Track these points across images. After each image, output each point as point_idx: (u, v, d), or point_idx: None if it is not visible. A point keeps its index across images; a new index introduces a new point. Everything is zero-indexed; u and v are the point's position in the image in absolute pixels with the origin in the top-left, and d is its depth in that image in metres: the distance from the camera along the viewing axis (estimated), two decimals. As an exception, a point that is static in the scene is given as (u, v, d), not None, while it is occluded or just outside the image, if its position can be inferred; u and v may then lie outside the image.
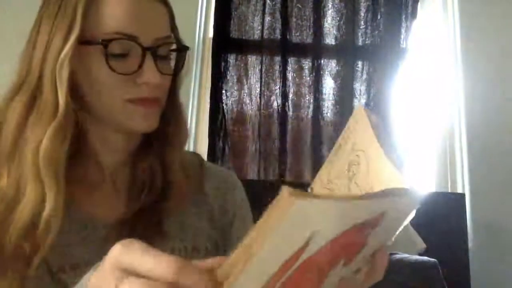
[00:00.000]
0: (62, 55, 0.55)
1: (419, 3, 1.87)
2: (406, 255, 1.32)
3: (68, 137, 0.57)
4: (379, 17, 1.86)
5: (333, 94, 1.85)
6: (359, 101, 1.83)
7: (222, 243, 0.67)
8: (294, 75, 1.86)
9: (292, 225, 0.31)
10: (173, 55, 0.64)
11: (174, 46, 0.63)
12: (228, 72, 1.84)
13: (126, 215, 0.61)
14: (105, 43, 0.56)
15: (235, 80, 1.85)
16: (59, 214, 0.55)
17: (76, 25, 0.56)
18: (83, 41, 0.56)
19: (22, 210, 0.54)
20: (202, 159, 0.73)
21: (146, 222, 0.60)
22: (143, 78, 0.57)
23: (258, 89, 1.83)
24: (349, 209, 0.33)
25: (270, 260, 0.32)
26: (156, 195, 0.62)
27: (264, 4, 1.84)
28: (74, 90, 0.58)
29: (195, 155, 0.74)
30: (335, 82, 1.85)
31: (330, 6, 1.87)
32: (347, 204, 0.33)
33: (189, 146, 1.78)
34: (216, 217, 0.68)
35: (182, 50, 0.64)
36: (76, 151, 0.60)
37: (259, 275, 0.32)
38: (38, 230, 0.54)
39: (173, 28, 0.64)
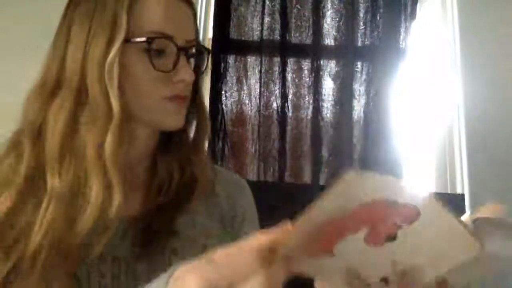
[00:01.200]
0: (109, 58, 0.57)
1: (418, 4, 1.87)
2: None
3: (125, 137, 0.59)
4: (378, 18, 1.86)
5: (333, 94, 1.85)
6: (359, 102, 1.83)
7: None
8: (294, 76, 1.86)
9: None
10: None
11: (198, 49, 0.67)
12: (228, 73, 1.84)
13: (142, 212, 0.62)
14: (150, 40, 0.58)
15: (235, 81, 1.85)
16: (119, 213, 0.57)
17: (121, 25, 0.58)
18: (126, 40, 0.58)
19: (90, 209, 0.55)
20: (211, 161, 0.75)
21: (160, 221, 0.62)
22: (179, 76, 0.61)
23: (258, 90, 1.83)
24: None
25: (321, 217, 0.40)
26: (173, 194, 0.64)
27: (263, 5, 1.84)
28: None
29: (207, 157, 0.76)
30: (335, 82, 1.85)
31: (329, 7, 1.87)
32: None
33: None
34: (226, 219, 0.69)
35: (205, 51, 0.68)
36: None
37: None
38: (99, 229, 0.55)
39: (197, 31, 0.68)
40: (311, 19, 1.85)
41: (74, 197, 0.55)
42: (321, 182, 1.75)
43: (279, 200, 1.52)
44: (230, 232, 0.69)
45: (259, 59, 1.84)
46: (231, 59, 1.85)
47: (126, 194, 0.62)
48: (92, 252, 0.55)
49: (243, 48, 1.86)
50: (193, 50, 0.65)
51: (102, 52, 0.57)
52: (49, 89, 0.59)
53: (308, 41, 1.85)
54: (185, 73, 0.61)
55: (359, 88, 1.84)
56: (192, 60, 0.66)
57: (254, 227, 0.71)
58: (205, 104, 0.71)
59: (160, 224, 0.62)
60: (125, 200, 0.61)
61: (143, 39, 0.58)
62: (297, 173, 1.83)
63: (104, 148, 0.56)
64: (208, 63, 0.68)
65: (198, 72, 0.67)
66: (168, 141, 0.68)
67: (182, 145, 0.68)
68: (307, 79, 1.85)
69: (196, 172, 0.66)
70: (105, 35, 0.57)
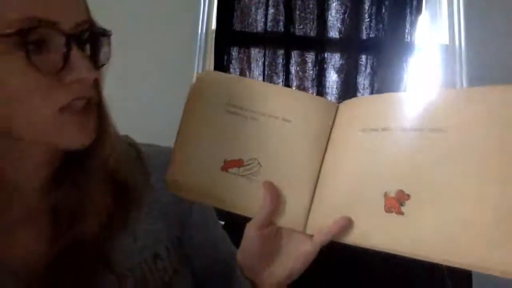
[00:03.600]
0: None
1: (424, -3, 1.85)
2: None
3: (10, 161, 0.45)
4: (383, 11, 1.84)
5: (337, 87, 1.84)
6: (363, 95, 1.82)
7: (183, 236, 0.60)
8: (298, 68, 1.85)
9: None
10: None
11: (97, 34, 0.47)
12: (231, 65, 1.83)
13: (53, 254, 0.47)
14: (24, 31, 0.39)
15: (238, 73, 1.84)
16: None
17: None
18: None
19: None
20: (139, 150, 0.60)
21: (85, 257, 0.48)
22: (74, 74, 0.42)
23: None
24: None
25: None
26: (89, 223, 0.49)
27: (267, -3, 1.83)
28: None
29: (130, 146, 0.60)
30: (339, 75, 1.84)
31: (334, -1, 1.85)
32: None
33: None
34: (170, 212, 0.59)
35: (104, 34, 0.47)
36: None
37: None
38: None
39: (87, 8, 0.48)
40: (315, 11, 1.83)
41: None
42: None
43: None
44: (178, 224, 0.60)
45: (263, 52, 1.83)
46: (234, 51, 1.84)
47: (28, 235, 0.49)
48: None
49: (247, 40, 1.85)
50: (86, 35, 0.45)
51: None
52: None
53: (313, 33, 1.84)
54: (82, 68, 0.42)
55: (363, 81, 1.83)
56: (88, 50, 0.46)
57: (204, 210, 0.62)
58: (108, 109, 0.51)
59: (83, 263, 0.48)
60: (28, 243, 0.48)
61: (12, 30, 0.39)
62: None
63: None
64: (110, 52, 0.48)
65: (103, 61, 0.48)
66: (75, 158, 0.49)
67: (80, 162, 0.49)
68: (311, 72, 1.83)
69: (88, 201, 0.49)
70: None
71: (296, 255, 0.52)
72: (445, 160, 0.40)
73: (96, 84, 0.47)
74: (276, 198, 0.48)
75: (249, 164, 0.50)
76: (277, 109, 0.51)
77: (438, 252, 0.38)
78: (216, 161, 0.50)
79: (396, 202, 0.41)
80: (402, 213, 0.41)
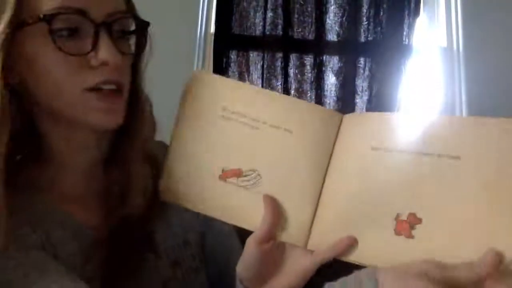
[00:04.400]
0: None
1: (421, 0, 1.86)
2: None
3: (3, 137, 0.48)
4: (381, 14, 1.84)
5: (335, 90, 1.84)
6: (361, 98, 1.82)
7: (205, 235, 0.64)
8: (296, 71, 1.85)
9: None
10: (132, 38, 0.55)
11: (132, 25, 0.54)
12: (230, 68, 1.83)
13: (105, 230, 0.54)
14: (48, 18, 0.46)
15: (237, 76, 1.84)
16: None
17: (7, 4, 0.46)
18: (20, 24, 0.47)
19: None
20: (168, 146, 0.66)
21: (132, 234, 0.54)
22: (100, 57, 0.48)
23: (260, 86, 1.82)
24: None
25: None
26: (136, 201, 0.54)
27: (266, 0, 1.83)
28: (20, 84, 0.49)
29: (161, 143, 0.66)
30: (337, 78, 1.84)
31: (332, 2, 1.85)
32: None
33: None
34: None
35: (143, 27, 0.54)
36: (37, 155, 0.53)
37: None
38: None
39: (129, 3, 0.55)
40: (314, 15, 1.84)
41: None
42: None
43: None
44: (202, 220, 0.63)
45: (262, 55, 1.83)
46: (233, 54, 1.84)
47: (88, 205, 0.55)
48: None
49: (246, 43, 1.85)
50: (124, 26, 0.52)
51: None
52: None
53: (311, 36, 1.84)
54: (106, 52, 0.48)
55: (361, 84, 1.83)
56: (126, 40, 0.54)
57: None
58: (145, 96, 0.59)
59: (131, 238, 0.54)
60: (90, 211, 0.55)
61: (39, 17, 0.46)
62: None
63: None
64: (149, 40, 0.55)
65: (139, 50, 0.55)
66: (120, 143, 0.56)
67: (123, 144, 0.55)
68: (310, 75, 1.84)
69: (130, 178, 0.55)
70: None
71: (296, 270, 0.51)
72: (458, 187, 0.39)
73: (126, 71, 0.53)
74: (276, 212, 0.47)
75: (248, 175, 0.48)
76: (279, 118, 0.48)
77: None
78: (213, 169, 0.49)
79: (408, 226, 0.41)
80: (412, 237, 0.41)
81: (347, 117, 0.49)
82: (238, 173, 0.48)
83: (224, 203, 0.48)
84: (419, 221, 0.40)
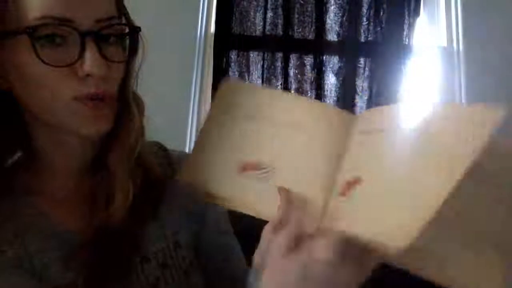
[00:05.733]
0: None
1: (421, 0, 1.86)
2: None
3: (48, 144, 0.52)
4: (382, 14, 1.85)
5: (335, 90, 1.84)
6: (361, 98, 1.83)
7: (199, 235, 0.63)
8: (296, 71, 1.85)
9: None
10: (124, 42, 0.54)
11: (123, 30, 0.53)
12: (230, 69, 1.84)
13: (90, 233, 0.54)
14: (30, 30, 0.45)
15: (237, 76, 1.84)
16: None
17: None
18: (5, 34, 0.47)
19: None
20: (164, 147, 0.66)
21: (115, 238, 0.54)
22: (85, 69, 0.47)
23: (260, 86, 1.82)
24: None
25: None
26: (118, 206, 0.54)
27: (266, 0, 1.83)
28: (11, 91, 0.50)
29: (156, 143, 0.66)
30: (337, 78, 1.84)
31: (332, 2, 1.86)
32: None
33: (191, 142, 1.77)
34: (190, 206, 0.62)
35: (133, 32, 0.53)
36: (28, 158, 0.54)
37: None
38: None
39: (121, 7, 0.53)
40: (314, 14, 1.84)
41: None
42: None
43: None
44: (196, 221, 0.63)
45: (262, 55, 1.83)
46: (233, 54, 1.84)
47: (75, 210, 0.56)
48: None
49: (246, 43, 1.85)
50: (114, 32, 0.51)
51: None
52: None
53: (311, 36, 1.85)
54: (91, 64, 0.47)
55: (361, 84, 1.83)
56: (116, 47, 0.52)
57: (217, 212, 0.65)
58: (137, 97, 0.58)
59: (120, 239, 0.54)
60: (77, 216, 0.55)
61: (21, 28, 0.46)
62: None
63: None
64: (139, 47, 0.55)
65: (129, 57, 0.54)
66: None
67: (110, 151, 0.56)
68: (310, 75, 1.84)
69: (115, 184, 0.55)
70: None
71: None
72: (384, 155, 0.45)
73: (115, 79, 0.52)
74: (291, 201, 0.49)
75: (265, 169, 0.51)
76: (295, 118, 0.53)
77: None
78: (232, 163, 0.52)
79: None
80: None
81: (361, 116, 0.52)
82: (256, 167, 0.51)
83: (242, 194, 0.52)
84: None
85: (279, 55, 1.83)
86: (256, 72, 1.84)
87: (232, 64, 1.84)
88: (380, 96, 1.81)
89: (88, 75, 0.48)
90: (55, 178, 0.56)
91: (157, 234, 0.58)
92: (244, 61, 1.85)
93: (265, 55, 1.83)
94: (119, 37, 0.52)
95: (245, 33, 1.85)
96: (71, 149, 0.55)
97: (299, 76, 1.85)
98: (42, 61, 0.46)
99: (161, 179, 0.59)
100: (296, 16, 1.85)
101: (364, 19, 1.85)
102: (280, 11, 1.83)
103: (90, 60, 0.47)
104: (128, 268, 0.55)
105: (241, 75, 1.84)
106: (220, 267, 0.64)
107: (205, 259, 0.63)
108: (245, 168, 0.51)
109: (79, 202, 0.56)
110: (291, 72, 1.84)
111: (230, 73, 1.83)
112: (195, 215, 0.63)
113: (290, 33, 1.83)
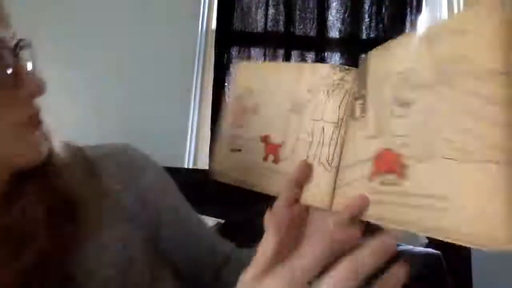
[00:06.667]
0: None
1: (424, -3, 1.86)
2: (410, 247, 1.33)
3: None
4: (383, 11, 1.84)
5: (337, 87, 1.84)
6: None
7: (158, 237, 0.56)
8: (298, 68, 1.85)
9: None
10: None
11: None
12: (231, 65, 1.83)
13: (18, 271, 0.44)
14: None
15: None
16: None
17: None
18: None
19: None
20: (80, 149, 0.55)
21: (46, 274, 0.45)
22: (26, 90, 0.42)
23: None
24: None
25: None
26: (40, 241, 0.45)
27: (267, -3, 1.83)
28: None
29: (76, 155, 0.54)
30: (339, 75, 1.84)
31: (334, -1, 1.86)
32: None
33: (191, 141, 1.77)
34: (135, 214, 0.54)
35: (28, 46, 0.44)
36: None
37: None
38: None
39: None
40: (315, 11, 1.84)
41: None
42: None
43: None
44: (147, 226, 0.55)
45: (263, 51, 1.83)
46: (234, 51, 1.84)
47: None
48: None
49: (247, 40, 1.85)
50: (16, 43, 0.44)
51: None
52: None
53: (313, 33, 1.84)
54: (31, 83, 0.42)
55: (363, 81, 1.83)
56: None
57: (177, 209, 0.59)
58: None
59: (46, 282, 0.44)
60: None
61: None
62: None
63: None
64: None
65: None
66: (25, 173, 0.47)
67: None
68: (311, 72, 1.83)
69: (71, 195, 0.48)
70: None
71: (320, 232, 0.50)
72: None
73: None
74: (304, 174, 0.47)
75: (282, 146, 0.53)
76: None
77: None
78: (254, 144, 0.54)
79: None
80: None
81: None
82: (277, 147, 0.53)
83: (263, 173, 0.52)
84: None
85: (281, 51, 1.83)
86: (257, 68, 1.83)
87: (233, 60, 1.83)
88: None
89: (29, 95, 0.42)
90: None
91: (100, 258, 0.50)
92: (245, 58, 1.85)
93: (267, 51, 1.82)
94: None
95: (247, 30, 1.85)
96: None
97: (300, 73, 1.84)
98: None
99: (85, 202, 0.50)
100: (298, 12, 1.85)
101: (366, 16, 1.85)
102: (281, 7, 1.83)
103: (30, 78, 0.42)
104: None
105: (242, 72, 1.84)
106: (194, 256, 0.60)
107: (176, 253, 0.58)
108: (266, 150, 0.53)
109: None
110: (293, 69, 1.83)
111: (231, 69, 1.83)
112: (144, 221, 0.55)
113: (291, 29, 1.83)
